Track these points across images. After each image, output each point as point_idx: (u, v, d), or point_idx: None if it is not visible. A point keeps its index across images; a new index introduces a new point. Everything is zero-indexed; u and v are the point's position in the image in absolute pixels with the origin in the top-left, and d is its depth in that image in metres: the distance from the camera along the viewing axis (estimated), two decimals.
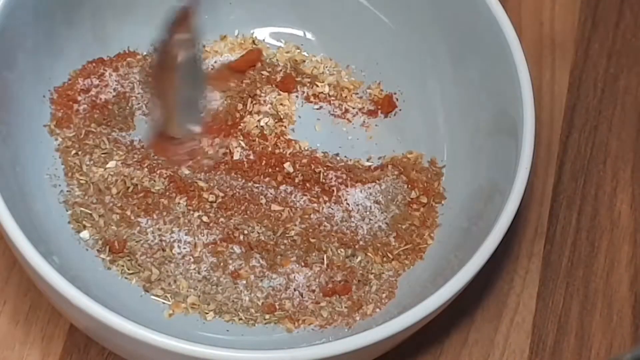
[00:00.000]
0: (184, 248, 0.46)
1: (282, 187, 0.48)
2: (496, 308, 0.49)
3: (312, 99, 0.51)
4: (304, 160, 0.49)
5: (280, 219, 0.48)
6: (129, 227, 0.46)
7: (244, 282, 0.46)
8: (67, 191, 0.47)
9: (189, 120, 0.49)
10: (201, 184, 0.48)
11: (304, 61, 0.52)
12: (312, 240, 0.47)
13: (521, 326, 0.48)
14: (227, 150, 0.49)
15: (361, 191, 0.49)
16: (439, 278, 0.43)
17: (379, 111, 0.51)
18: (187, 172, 0.48)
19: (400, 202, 0.49)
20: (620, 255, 0.50)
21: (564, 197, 0.52)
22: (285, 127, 0.50)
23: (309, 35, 0.52)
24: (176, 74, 0.47)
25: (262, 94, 0.50)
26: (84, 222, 0.46)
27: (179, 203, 0.47)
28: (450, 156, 0.49)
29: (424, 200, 0.49)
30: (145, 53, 0.51)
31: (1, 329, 0.46)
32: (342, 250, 0.47)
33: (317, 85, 0.51)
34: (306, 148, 0.50)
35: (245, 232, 0.47)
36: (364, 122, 0.51)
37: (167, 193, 0.47)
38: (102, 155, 0.48)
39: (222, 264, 0.46)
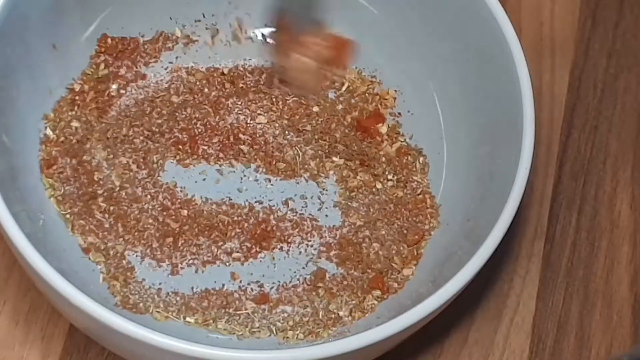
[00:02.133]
0: None
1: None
2: (496, 308, 0.49)
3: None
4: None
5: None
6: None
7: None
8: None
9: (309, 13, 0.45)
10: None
11: None
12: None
13: (521, 326, 0.48)
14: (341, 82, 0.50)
15: None
16: (439, 278, 0.43)
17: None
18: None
19: None
20: (620, 255, 0.50)
21: (563, 197, 0.52)
22: None
23: None
24: None
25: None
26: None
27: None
28: (450, 156, 0.49)
29: None
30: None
31: (1, 329, 0.46)
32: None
33: None
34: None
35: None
36: None
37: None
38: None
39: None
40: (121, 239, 0.46)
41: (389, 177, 0.49)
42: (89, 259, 0.46)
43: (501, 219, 0.42)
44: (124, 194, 0.47)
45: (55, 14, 0.47)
